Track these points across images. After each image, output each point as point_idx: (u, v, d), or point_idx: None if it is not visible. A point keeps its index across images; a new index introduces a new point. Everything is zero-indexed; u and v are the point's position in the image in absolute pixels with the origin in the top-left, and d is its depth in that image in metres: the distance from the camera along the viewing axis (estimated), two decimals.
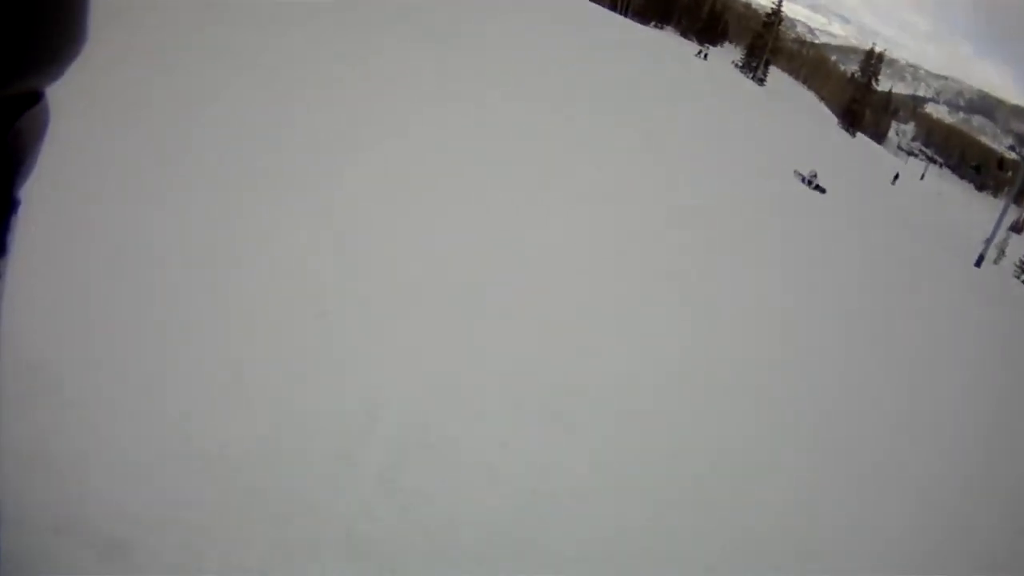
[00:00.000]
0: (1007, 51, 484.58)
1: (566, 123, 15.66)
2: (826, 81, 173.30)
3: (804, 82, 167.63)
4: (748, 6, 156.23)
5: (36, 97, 0.93)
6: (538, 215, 9.46)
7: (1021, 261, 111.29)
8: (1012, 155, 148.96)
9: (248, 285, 5.53)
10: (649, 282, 8.84)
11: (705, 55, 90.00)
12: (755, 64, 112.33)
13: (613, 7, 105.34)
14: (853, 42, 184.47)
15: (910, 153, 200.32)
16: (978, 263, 40.90)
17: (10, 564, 1.42)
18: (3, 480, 2.20)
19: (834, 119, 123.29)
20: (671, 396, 6.20)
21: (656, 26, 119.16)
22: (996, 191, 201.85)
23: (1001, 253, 79.30)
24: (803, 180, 25.33)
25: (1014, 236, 71.80)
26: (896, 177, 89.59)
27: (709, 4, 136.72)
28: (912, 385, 10.13)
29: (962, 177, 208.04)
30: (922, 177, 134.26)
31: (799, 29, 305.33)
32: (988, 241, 44.48)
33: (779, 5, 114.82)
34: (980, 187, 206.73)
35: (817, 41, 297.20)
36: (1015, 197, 51.26)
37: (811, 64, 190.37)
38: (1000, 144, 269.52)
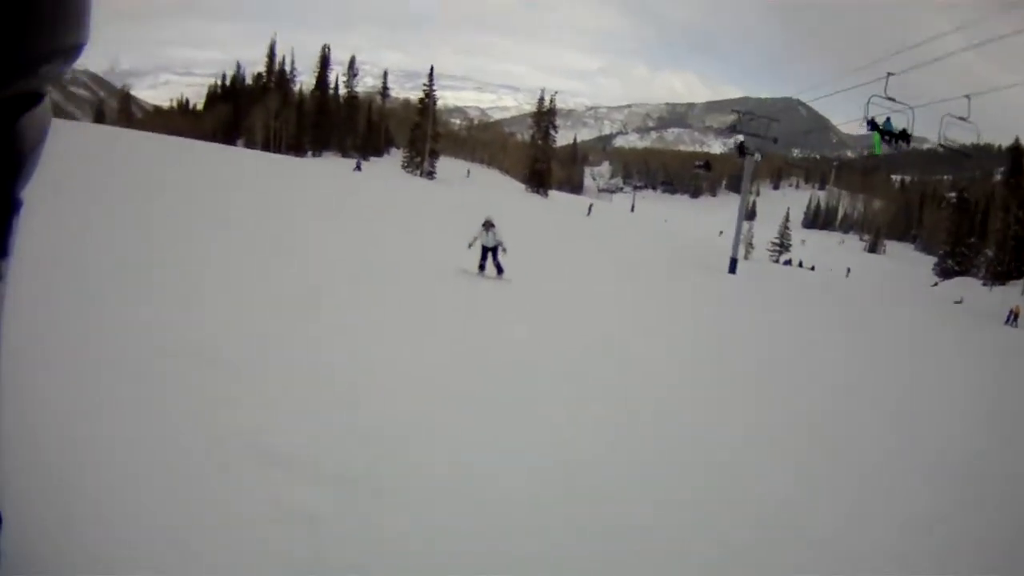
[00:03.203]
0: (682, 56, 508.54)
1: None
2: (507, 154, 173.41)
3: (486, 163, 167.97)
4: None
5: (36, 98, 0.93)
6: None
7: (772, 244, 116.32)
8: (719, 151, 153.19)
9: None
10: None
11: (358, 166, 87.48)
12: (419, 160, 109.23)
13: (267, 147, 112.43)
14: (526, 108, 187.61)
15: (612, 191, 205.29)
16: (732, 268, 41.93)
17: (10, 564, 1.54)
18: (3, 480, 2.37)
19: (521, 187, 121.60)
20: None
21: (314, 154, 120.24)
22: (713, 191, 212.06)
23: (750, 246, 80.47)
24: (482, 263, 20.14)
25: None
26: (590, 208, 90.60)
27: (364, 119, 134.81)
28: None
29: (673, 192, 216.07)
30: (632, 209, 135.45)
31: (472, 114, 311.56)
32: (735, 244, 45.15)
33: (427, 94, 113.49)
34: (695, 194, 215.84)
35: (491, 120, 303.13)
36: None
37: (487, 143, 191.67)
38: (703, 145, 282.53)
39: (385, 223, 30.51)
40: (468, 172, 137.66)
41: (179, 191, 25.80)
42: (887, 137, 32.78)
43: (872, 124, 32.59)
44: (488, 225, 19.45)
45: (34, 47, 0.83)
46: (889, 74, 32.79)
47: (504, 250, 19.49)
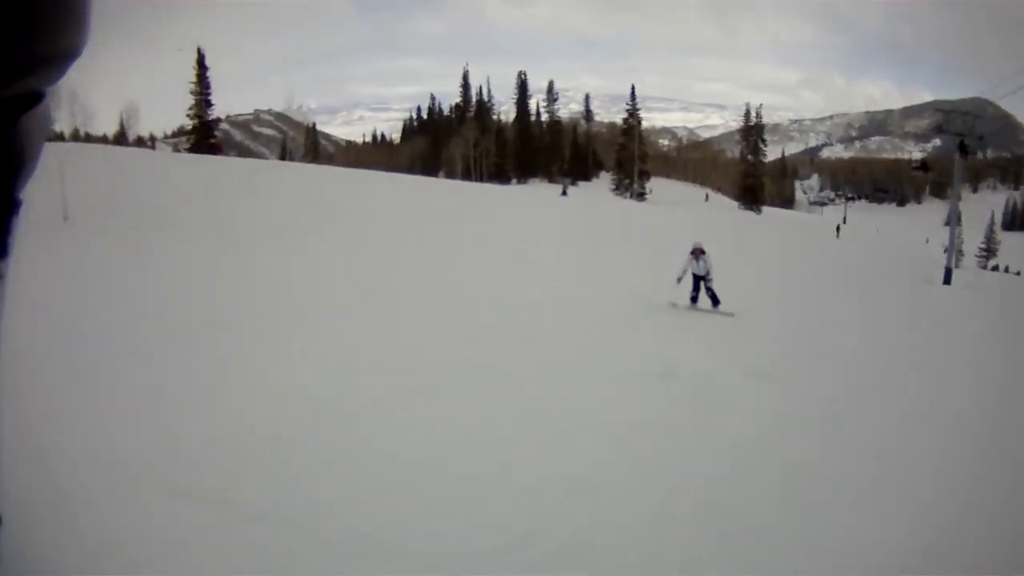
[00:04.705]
0: (876, 62, 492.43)
1: None
2: (717, 172, 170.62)
3: (697, 182, 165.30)
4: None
5: (36, 97, 0.92)
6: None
7: (980, 249, 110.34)
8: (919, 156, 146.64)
9: None
10: None
11: (564, 191, 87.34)
12: (628, 181, 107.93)
13: (467, 176, 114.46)
14: (733, 125, 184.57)
15: (823, 204, 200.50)
16: (947, 279, 38.09)
17: (10, 564, 1.57)
18: (3, 480, 2.41)
19: (735, 204, 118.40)
20: None
21: (519, 181, 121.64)
22: (918, 198, 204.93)
23: (959, 253, 76.64)
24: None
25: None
26: (838, 229, 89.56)
27: (569, 143, 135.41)
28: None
29: (880, 202, 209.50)
30: (844, 220, 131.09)
31: (680, 134, 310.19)
32: (948, 252, 42.30)
33: (630, 114, 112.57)
34: (901, 202, 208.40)
35: (700, 139, 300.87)
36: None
37: (697, 162, 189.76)
38: (903, 152, 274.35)
39: (587, 248, 30.01)
40: (707, 196, 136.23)
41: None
42: None
43: None
44: (698, 252, 17.86)
45: (34, 47, 0.80)
46: None
47: (711, 279, 17.84)
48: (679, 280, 17.89)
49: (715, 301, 17.81)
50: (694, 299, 18.09)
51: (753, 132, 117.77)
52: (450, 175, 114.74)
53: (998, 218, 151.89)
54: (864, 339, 17.06)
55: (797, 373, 12.42)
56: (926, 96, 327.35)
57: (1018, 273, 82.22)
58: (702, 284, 17.97)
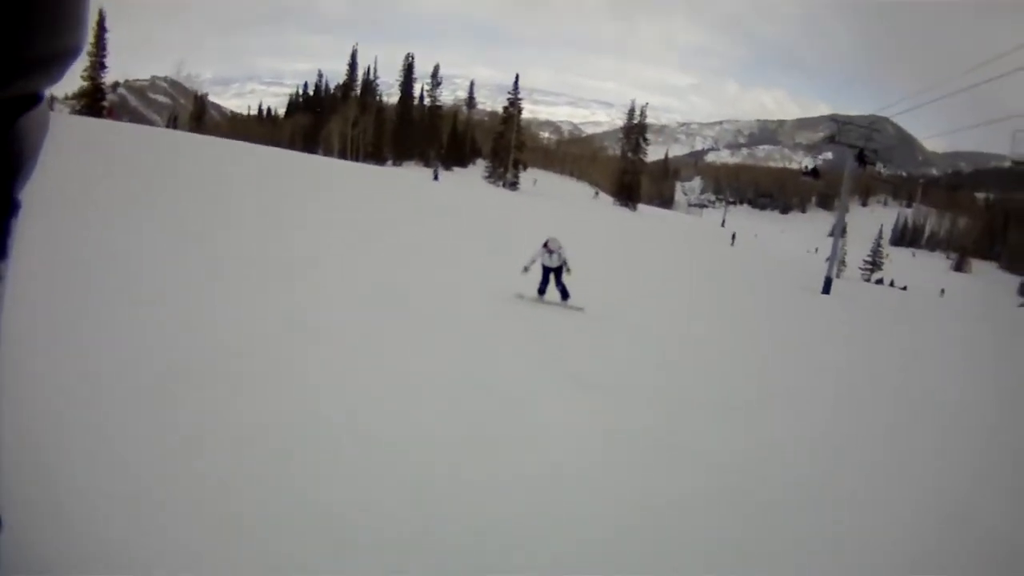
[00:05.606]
0: (772, 74, 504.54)
1: None
2: (596, 167, 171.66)
3: (578, 177, 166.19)
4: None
5: (35, 99, 0.92)
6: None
7: (865, 262, 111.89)
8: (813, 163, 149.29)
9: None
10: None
11: (436, 175, 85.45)
12: (502, 170, 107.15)
13: (344, 155, 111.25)
14: (618, 123, 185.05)
15: (702, 206, 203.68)
16: (826, 288, 38.74)
17: (10, 564, 1.65)
18: (3, 480, 2.43)
19: (611, 200, 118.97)
20: None
21: (395, 164, 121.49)
22: (803, 207, 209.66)
23: (842, 264, 77.14)
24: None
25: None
26: (733, 237, 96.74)
27: (449, 129, 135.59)
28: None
29: (763, 208, 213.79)
30: (723, 224, 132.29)
31: (565, 128, 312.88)
32: (830, 261, 41.96)
33: (511, 103, 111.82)
34: (784, 210, 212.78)
35: (583, 134, 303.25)
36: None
37: (577, 158, 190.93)
38: (791, 162, 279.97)
39: (441, 237, 27.59)
40: (596, 193, 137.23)
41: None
42: None
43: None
44: (550, 250, 16.46)
45: (33, 48, 0.83)
46: None
47: (568, 270, 16.42)
48: (526, 269, 16.59)
49: (564, 295, 16.58)
50: (542, 291, 16.79)
51: (636, 130, 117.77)
52: (328, 153, 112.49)
53: (887, 233, 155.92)
54: (723, 346, 16.32)
55: (635, 386, 10.43)
56: (823, 110, 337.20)
57: (904, 288, 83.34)
58: (551, 276, 16.64)
